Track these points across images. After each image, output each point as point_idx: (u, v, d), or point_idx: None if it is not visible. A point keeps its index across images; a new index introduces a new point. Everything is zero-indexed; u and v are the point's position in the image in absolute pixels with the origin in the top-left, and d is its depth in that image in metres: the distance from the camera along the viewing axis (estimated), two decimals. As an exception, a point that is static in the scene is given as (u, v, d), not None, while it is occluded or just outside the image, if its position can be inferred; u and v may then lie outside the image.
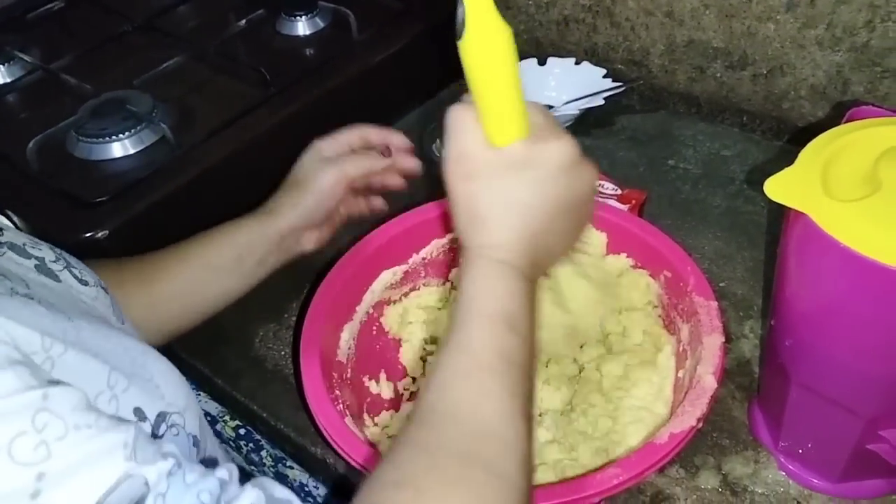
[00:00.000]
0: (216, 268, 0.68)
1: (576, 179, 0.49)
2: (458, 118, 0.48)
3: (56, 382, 0.35)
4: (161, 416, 0.44)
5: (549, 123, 0.49)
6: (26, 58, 1.00)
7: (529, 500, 0.41)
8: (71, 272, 0.52)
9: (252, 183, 0.88)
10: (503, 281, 0.46)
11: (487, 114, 0.48)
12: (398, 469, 0.40)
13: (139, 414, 0.43)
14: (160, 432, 0.44)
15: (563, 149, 0.48)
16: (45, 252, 0.52)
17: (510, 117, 0.47)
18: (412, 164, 0.73)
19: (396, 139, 0.74)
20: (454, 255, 0.74)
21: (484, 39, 0.45)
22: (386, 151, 0.72)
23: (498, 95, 0.47)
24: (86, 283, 0.53)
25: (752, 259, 0.78)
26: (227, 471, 0.37)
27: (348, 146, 0.72)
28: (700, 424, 0.54)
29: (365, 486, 0.39)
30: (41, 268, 0.50)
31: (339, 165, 0.69)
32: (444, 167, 0.49)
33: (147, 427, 0.43)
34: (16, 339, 0.36)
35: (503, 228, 0.47)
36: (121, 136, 0.84)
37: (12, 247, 0.50)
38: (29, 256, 0.50)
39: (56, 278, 0.50)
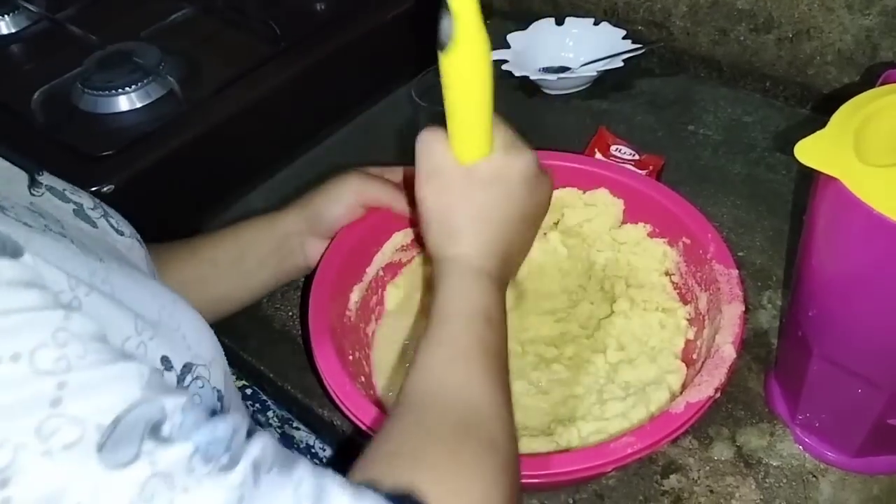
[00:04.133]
0: (219, 264, 0.66)
1: (536, 191, 0.53)
2: (428, 139, 0.53)
3: (77, 309, 0.35)
4: (187, 367, 0.44)
5: (511, 138, 0.52)
6: (31, 7, 0.97)
7: (517, 468, 0.44)
8: (108, 221, 0.52)
9: (260, 139, 0.87)
10: (477, 284, 0.49)
11: (460, 130, 0.51)
12: (393, 442, 0.42)
13: (165, 363, 0.42)
14: (186, 383, 0.43)
15: (527, 163, 0.52)
16: (85, 199, 0.52)
17: (481, 134, 0.51)
18: None
19: None
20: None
21: (471, 55, 0.48)
22: None
23: (474, 111, 0.50)
24: (122, 234, 0.53)
25: (772, 228, 0.76)
26: (240, 415, 0.37)
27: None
28: (718, 394, 0.52)
29: (360, 462, 0.40)
30: (79, 213, 0.50)
31: (363, 180, 0.66)
32: (416, 185, 0.53)
33: (173, 376, 0.42)
34: (42, 276, 0.35)
35: (475, 239, 0.51)
36: (127, 89, 0.83)
37: (51, 189, 0.49)
38: (68, 201, 0.50)
39: (93, 224, 0.50)
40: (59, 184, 0.51)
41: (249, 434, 0.36)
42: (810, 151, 0.47)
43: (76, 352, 0.32)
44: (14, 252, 0.34)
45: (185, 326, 0.45)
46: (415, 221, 0.67)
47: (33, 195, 0.47)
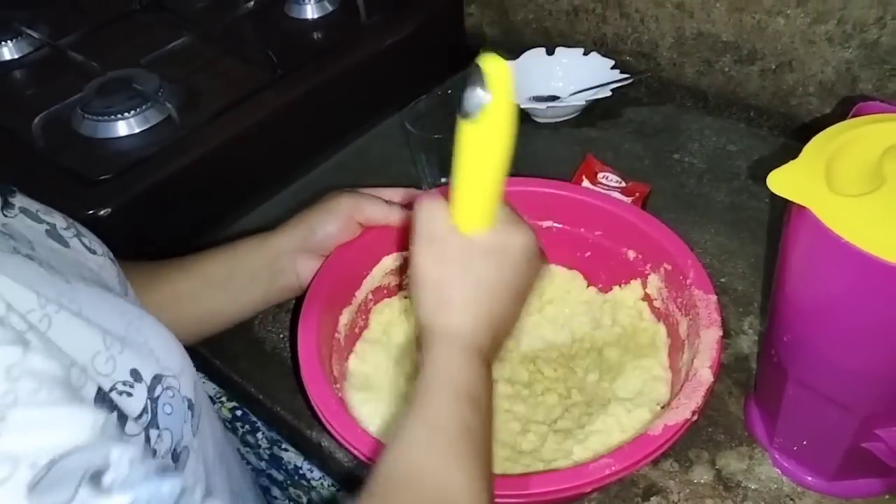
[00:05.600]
0: (210, 280, 0.67)
1: (532, 269, 0.52)
2: (429, 204, 0.51)
3: (41, 351, 0.35)
4: (157, 379, 0.45)
5: (512, 213, 0.52)
6: (34, 34, 1.00)
7: None
8: (81, 240, 0.53)
9: (256, 164, 0.89)
10: (467, 361, 0.47)
11: (468, 199, 0.49)
12: None
13: (136, 375, 0.43)
14: (156, 394, 0.45)
15: (528, 240, 0.51)
16: (57, 219, 0.53)
17: (488, 205, 0.50)
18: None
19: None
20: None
21: (500, 128, 0.46)
22: (409, 204, 0.69)
23: (488, 182, 0.49)
24: (94, 252, 0.54)
25: (753, 255, 0.78)
26: (195, 479, 0.37)
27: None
28: (695, 417, 0.53)
29: None
30: (51, 233, 0.51)
31: (356, 198, 0.67)
32: (413, 251, 0.51)
33: (143, 388, 0.43)
34: (9, 298, 0.36)
35: (468, 312, 0.49)
36: (126, 114, 0.84)
37: (25, 210, 0.50)
38: (41, 222, 0.51)
39: (65, 244, 0.51)
40: (33, 205, 0.52)
41: (207, 495, 0.36)
42: (782, 181, 0.49)
43: (28, 388, 0.32)
44: None
45: (152, 340, 0.47)
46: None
47: (6, 216, 0.48)
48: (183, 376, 0.48)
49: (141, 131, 0.85)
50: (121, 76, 0.90)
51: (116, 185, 0.78)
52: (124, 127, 0.85)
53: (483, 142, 0.47)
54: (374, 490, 0.42)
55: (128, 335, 0.45)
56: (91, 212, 0.75)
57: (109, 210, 0.76)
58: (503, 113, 0.46)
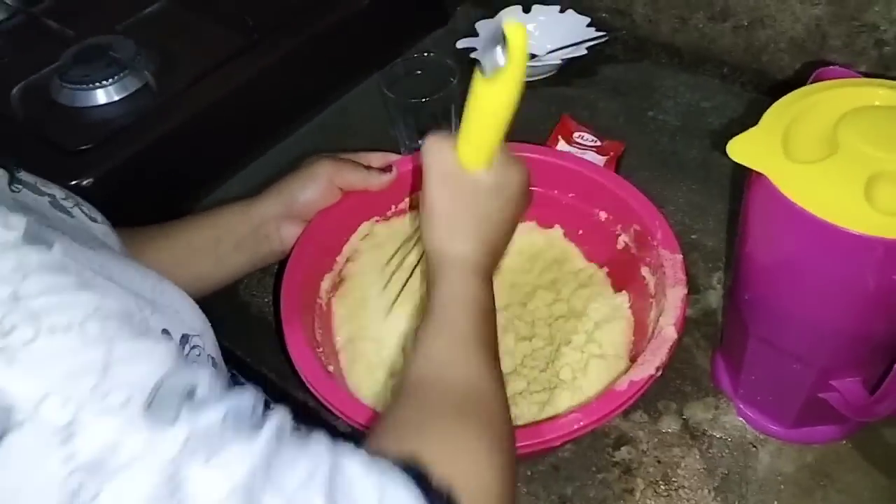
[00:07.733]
0: (195, 247, 0.68)
1: (525, 201, 0.60)
2: (438, 146, 0.56)
3: (110, 294, 0.38)
4: (185, 338, 0.47)
5: (508, 154, 0.57)
6: (7, 1, 0.99)
7: (514, 444, 0.48)
8: (81, 209, 0.55)
9: (235, 130, 0.89)
10: (475, 279, 0.55)
11: (476, 144, 0.55)
12: (399, 417, 0.45)
13: (166, 335, 0.45)
14: (185, 353, 0.47)
15: (524, 178, 0.58)
16: (55, 191, 0.54)
17: (491, 149, 0.55)
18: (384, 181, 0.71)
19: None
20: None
21: (514, 86, 0.51)
22: (386, 168, 0.71)
23: (496, 132, 0.54)
24: (95, 221, 0.55)
25: (723, 211, 0.80)
26: (254, 389, 0.40)
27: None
28: (659, 373, 0.56)
29: (370, 435, 0.44)
30: (54, 204, 0.52)
31: (335, 163, 0.69)
32: (426, 186, 0.57)
33: (174, 346, 0.45)
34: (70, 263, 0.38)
35: (476, 240, 0.56)
36: (104, 82, 0.85)
37: (26, 184, 0.51)
38: (42, 194, 0.52)
39: (69, 214, 0.53)
40: (31, 178, 0.53)
41: (267, 405, 0.39)
42: (742, 149, 0.51)
43: (113, 325, 0.36)
44: (48, 244, 0.38)
45: (176, 302, 0.49)
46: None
47: (13, 192, 0.49)
48: (206, 336, 0.51)
49: (120, 99, 0.85)
50: (97, 43, 0.90)
51: (98, 154, 0.79)
52: (103, 95, 0.85)
53: (493, 98, 0.52)
54: (406, 390, 0.48)
55: (154, 297, 0.47)
56: (74, 182, 0.76)
57: (92, 180, 0.76)
58: (515, 78, 0.51)
